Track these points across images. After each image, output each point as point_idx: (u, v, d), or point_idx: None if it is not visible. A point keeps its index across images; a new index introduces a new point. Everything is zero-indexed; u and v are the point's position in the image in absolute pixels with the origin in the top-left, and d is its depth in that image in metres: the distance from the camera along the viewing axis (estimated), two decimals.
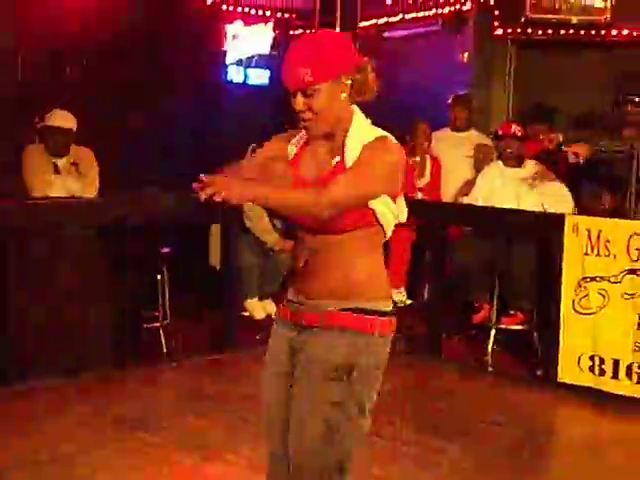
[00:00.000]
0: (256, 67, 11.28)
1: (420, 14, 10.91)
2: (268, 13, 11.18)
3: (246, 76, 11.29)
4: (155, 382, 7.45)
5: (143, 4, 10.03)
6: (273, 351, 3.76)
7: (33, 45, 10.41)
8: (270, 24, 11.21)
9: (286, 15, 11.33)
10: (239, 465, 5.55)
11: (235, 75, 11.24)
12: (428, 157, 9.15)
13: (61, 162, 7.79)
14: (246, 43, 11.12)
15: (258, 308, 8.42)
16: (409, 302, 8.82)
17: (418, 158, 9.11)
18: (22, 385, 6.89)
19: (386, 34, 11.28)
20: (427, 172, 9.14)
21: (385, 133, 3.61)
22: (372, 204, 3.48)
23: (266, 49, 11.25)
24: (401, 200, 3.62)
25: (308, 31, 9.48)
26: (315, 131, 3.57)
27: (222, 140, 9.31)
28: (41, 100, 8.49)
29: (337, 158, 3.56)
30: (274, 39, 11.24)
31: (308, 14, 9.78)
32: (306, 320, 3.61)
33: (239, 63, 11.21)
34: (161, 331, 7.97)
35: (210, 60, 10.85)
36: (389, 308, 3.59)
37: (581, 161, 8.09)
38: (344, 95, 3.54)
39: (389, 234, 3.63)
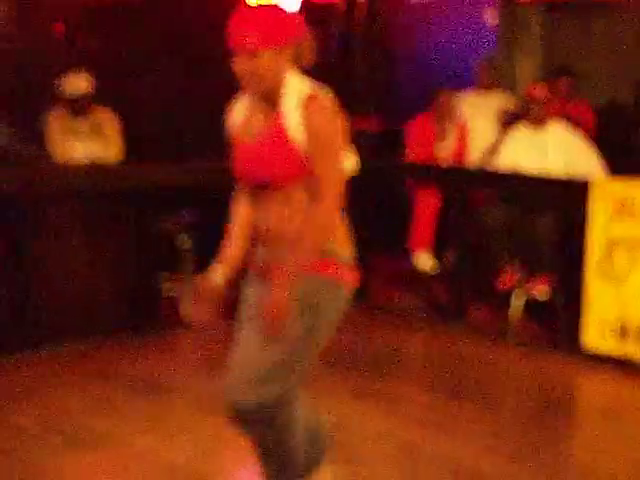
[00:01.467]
0: None
1: None
2: None
3: None
4: (174, 346, 7.53)
5: None
6: (245, 301, 4.00)
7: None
8: None
9: None
10: None
11: None
12: (454, 121, 9.13)
13: (82, 125, 7.80)
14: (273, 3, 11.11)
15: None
16: (435, 268, 8.78)
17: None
18: (54, 349, 6.98)
19: None
20: (452, 136, 9.10)
21: (315, 89, 3.79)
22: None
23: (295, 6, 11.27)
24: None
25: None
26: (254, 90, 3.76)
27: None
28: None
29: (271, 117, 3.77)
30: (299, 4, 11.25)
31: None
32: (273, 271, 3.77)
33: None
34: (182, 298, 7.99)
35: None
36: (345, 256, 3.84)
37: None
38: (287, 59, 3.76)
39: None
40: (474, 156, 9.00)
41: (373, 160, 8.54)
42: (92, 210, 7.37)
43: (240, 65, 3.69)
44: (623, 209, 6.94)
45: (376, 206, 8.60)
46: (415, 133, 8.96)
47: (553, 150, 8.03)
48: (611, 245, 7.01)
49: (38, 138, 7.82)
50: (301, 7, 11.32)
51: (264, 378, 3.79)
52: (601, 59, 9.47)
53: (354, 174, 8.24)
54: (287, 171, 3.73)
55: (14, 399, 6.09)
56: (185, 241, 7.96)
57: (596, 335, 7.10)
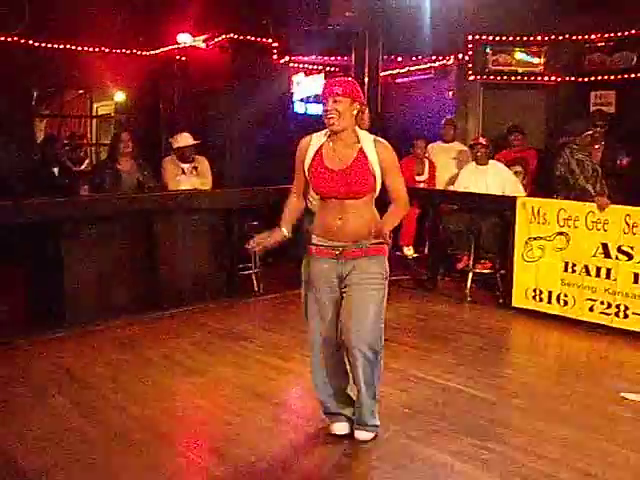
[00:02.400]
0: (312, 102, 11.31)
1: (420, 66, 10.90)
2: (320, 67, 11.22)
3: (306, 108, 11.32)
4: (249, 310, 7.52)
5: (240, 62, 10.07)
6: (323, 276, 4.04)
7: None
8: (322, 75, 11.24)
9: (332, 69, 11.35)
10: (305, 362, 5.62)
11: (299, 108, 11.28)
12: (427, 161, 9.17)
13: (186, 167, 7.86)
14: (306, 87, 11.16)
15: None
16: (415, 255, 8.84)
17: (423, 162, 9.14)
18: (168, 311, 7.06)
19: (398, 80, 11.27)
20: (426, 170, 9.15)
21: (375, 137, 4.00)
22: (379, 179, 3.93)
23: (319, 91, 11.28)
24: None
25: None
26: (337, 126, 3.87)
27: (291, 150, 9.38)
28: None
29: (355, 154, 3.92)
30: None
31: (347, 68, 9.80)
32: (349, 254, 3.94)
33: (301, 100, 11.24)
34: (253, 276, 8.05)
35: (283, 98, 10.88)
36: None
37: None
38: (354, 113, 3.90)
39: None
40: (439, 182, 9.08)
41: None
42: (196, 220, 7.47)
43: (327, 106, 3.85)
44: (536, 217, 7.02)
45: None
46: (402, 168, 8.97)
47: (491, 179, 8.10)
48: (529, 240, 7.09)
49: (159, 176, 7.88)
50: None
51: (376, 327, 3.98)
52: (522, 119, 9.49)
53: None
54: (365, 189, 3.89)
55: (149, 341, 6.22)
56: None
57: (521, 297, 7.18)
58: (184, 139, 7.83)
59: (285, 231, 4.13)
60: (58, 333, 6.34)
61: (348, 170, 3.90)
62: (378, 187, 3.98)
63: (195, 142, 7.82)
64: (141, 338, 6.31)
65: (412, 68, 10.97)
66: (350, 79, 4.15)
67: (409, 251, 8.83)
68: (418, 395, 5.00)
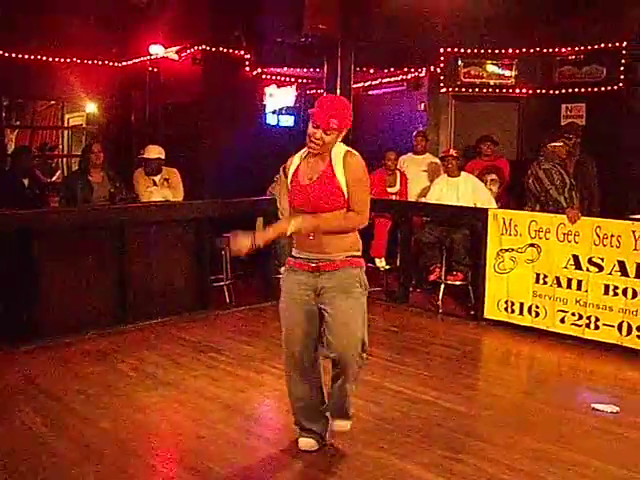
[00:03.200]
0: (285, 114, 11.32)
1: (392, 79, 10.94)
2: (292, 79, 11.23)
3: (278, 120, 11.33)
4: (221, 322, 7.45)
5: (212, 73, 10.07)
6: (298, 288, 4.02)
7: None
8: (294, 86, 11.25)
9: (304, 81, 11.37)
10: (277, 374, 5.59)
11: (271, 119, 11.28)
12: (398, 172, 9.19)
13: (157, 178, 7.83)
14: (278, 99, 11.17)
15: None
16: (387, 267, 8.85)
17: (393, 173, 9.15)
18: (139, 323, 7.02)
19: (370, 92, 11.31)
20: (397, 182, 9.16)
21: (348, 148, 3.94)
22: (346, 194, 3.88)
23: (291, 102, 11.30)
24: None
25: (321, 91, 9.50)
26: (317, 151, 3.87)
27: (263, 162, 9.37)
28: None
29: (323, 168, 3.89)
30: (296, 96, 11.30)
31: (319, 80, 9.82)
32: (325, 267, 3.93)
33: (274, 112, 11.24)
34: (225, 288, 8.02)
35: (255, 110, 10.88)
36: (359, 253, 4.04)
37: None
38: (339, 139, 3.89)
39: None
40: (411, 194, 9.11)
41: None
42: (167, 231, 7.42)
43: (315, 134, 3.80)
44: (507, 228, 7.06)
45: None
46: (374, 180, 9.00)
47: (463, 191, 8.13)
48: (500, 252, 7.13)
49: (130, 187, 7.84)
50: (298, 99, 11.47)
51: (363, 333, 4.03)
52: (494, 131, 9.55)
53: None
54: (332, 204, 3.86)
55: (119, 354, 6.16)
56: (227, 251, 7.97)
57: (492, 308, 7.22)
58: (150, 151, 7.80)
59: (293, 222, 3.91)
60: (28, 346, 6.26)
61: (315, 185, 3.90)
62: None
63: (158, 156, 7.80)
64: (113, 351, 6.26)
65: (384, 80, 11.00)
66: (345, 101, 4.02)
67: (381, 263, 8.83)
68: (390, 407, 4.99)
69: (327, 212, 3.88)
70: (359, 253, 4.04)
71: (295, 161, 4.04)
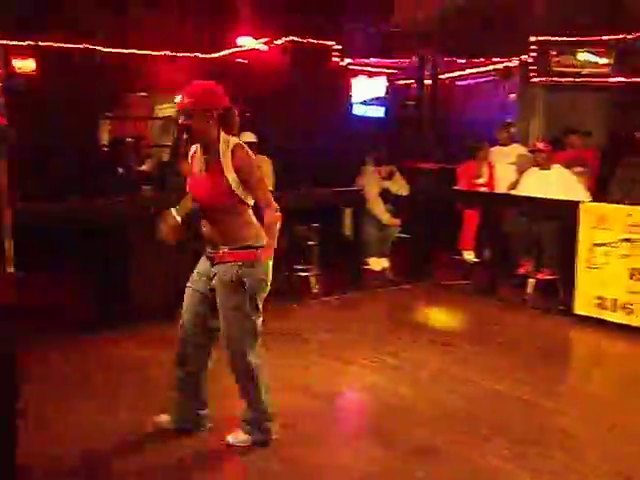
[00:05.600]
0: (374, 105, 11.30)
1: (482, 69, 10.82)
2: (381, 70, 11.20)
3: (367, 111, 11.32)
4: (306, 311, 7.50)
5: (300, 64, 10.12)
6: (200, 272, 4.12)
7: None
8: (383, 77, 11.23)
9: (393, 71, 11.33)
10: (363, 364, 5.69)
11: (359, 110, 11.28)
12: (486, 164, 9.09)
13: (248, 142, 7.87)
14: (367, 89, 11.15)
15: (376, 263, 8.44)
16: (475, 260, 8.76)
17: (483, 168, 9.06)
18: None
19: (459, 83, 11.21)
20: (485, 174, 9.07)
21: (238, 140, 3.92)
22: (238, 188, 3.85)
23: (380, 93, 11.27)
24: None
25: (402, 82, 9.45)
26: (192, 140, 3.90)
27: (351, 153, 9.41)
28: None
29: (211, 161, 3.86)
30: (386, 87, 11.27)
31: (408, 70, 9.78)
32: (216, 259, 3.97)
33: (362, 103, 11.24)
34: (311, 278, 8.03)
35: (343, 101, 10.90)
36: (258, 244, 3.94)
37: None
38: (211, 121, 3.81)
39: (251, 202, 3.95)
40: (499, 187, 9.00)
41: (435, 189, 8.63)
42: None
43: (179, 121, 3.86)
44: (601, 223, 6.92)
45: (439, 220, 8.61)
46: (462, 172, 8.95)
47: (554, 184, 7.99)
48: (593, 246, 6.99)
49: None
50: (387, 90, 11.44)
51: (237, 333, 4.09)
52: (585, 121, 9.36)
53: (403, 194, 8.38)
54: (218, 197, 3.87)
55: None
56: (314, 240, 8.03)
57: (584, 304, 7.08)
58: (245, 137, 7.88)
59: (176, 216, 4.08)
60: (124, 331, 6.38)
61: (203, 177, 3.92)
62: (242, 196, 3.91)
63: (251, 140, 7.85)
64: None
65: (473, 70, 10.88)
66: (204, 83, 3.97)
67: (469, 256, 8.75)
68: (475, 401, 4.96)
69: (219, 206, 3.90)
70: (249, 243, 3.97)
71: (193, 149, 4.06)
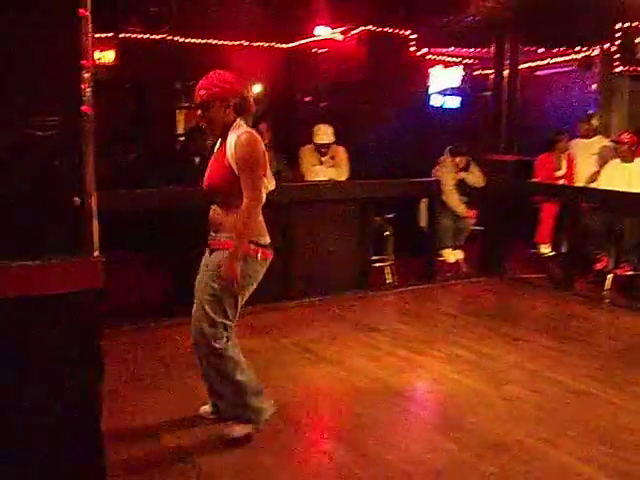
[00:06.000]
0: (450, 95, 11.20)
1: (561, 58, 10.59)
2: (458, 60, 11.09)
3: (443, 102, 11.22)
4: (382, 301, 7.51)
5: (377, 54, 10.09)
6: (200, 268, 4.09)
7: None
8: (460, 67, 11.11)
9: (471, 61, 11.20)
10: (436, 356, 5.66)
11: (436, 101, 11.19)
12: (565, 155, 8.91)
13: (323, 157, 7.94)
14: (444, 80, 11.05)
15: (450, 255, 8.40)
16: (552, 253, 8.61)
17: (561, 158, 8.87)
18: (302, 300, 7.17)
19: (537, 73, 11.00)
20: (564, 166, 8.90)
21: (248, 129, 3.83)
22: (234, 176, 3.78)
23: (457, 83, 11.16)
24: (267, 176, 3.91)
25: (487, 72, 9.29)
26: (209, 133, 3.93)
27: (427, 144, 9.33)
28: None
29: (219, 147, 3.91)
30: (462, 77, 11.15)
31: (486, 60, 9.64)
32: (212, 245, 4.00)
33: (439, 93, 11.14)
34: (386, 268, 8.04)
35: (419, 91, 10.83)
36: (259, 242, 3.92)
37: None
38: (228, 110, 3.83)
39: (262, 195, 3.87)
40: (579, 179, 8.81)
41: (511, 181, 8.50)
42: (331, 211, 7.51)
43: (197, 115, 3.91)
44: None
45: (515, 212, 8.49)
46: (541, 164, 8.81)
47: (636, 177, 7.79)
48: None
49: (296, 166, 8.01)
50: (464, 80, 11.31)
51: (209, 321, 3.99)
52: None
53: (479, 186, 8.25)
54: (219, 183, 3.85)
55: (282, 329, 6.32)
56: (389, 231, 8.03)
57: None
58: (321, 132, 7.88)
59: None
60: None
61: (213, 160, 3.97)
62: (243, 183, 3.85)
63: (330, 141, 7.88)
64: (274, 326, 6.43)
65: (552, 60, 10.66)
66: (216, 73, 3.95)
67: (546, 249, 8.60)
68: (551, 397, 4.87)
69: (220, 191, 3.88)
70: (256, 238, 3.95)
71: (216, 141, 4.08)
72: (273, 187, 4.03)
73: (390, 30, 10.01)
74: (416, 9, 9.87)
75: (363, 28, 9.91)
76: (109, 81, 9.59)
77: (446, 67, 11.00)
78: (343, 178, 7.93)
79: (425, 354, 5.71)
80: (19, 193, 2.02)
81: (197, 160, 8.69)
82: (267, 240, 3.99)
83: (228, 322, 4.01)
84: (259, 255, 3.93)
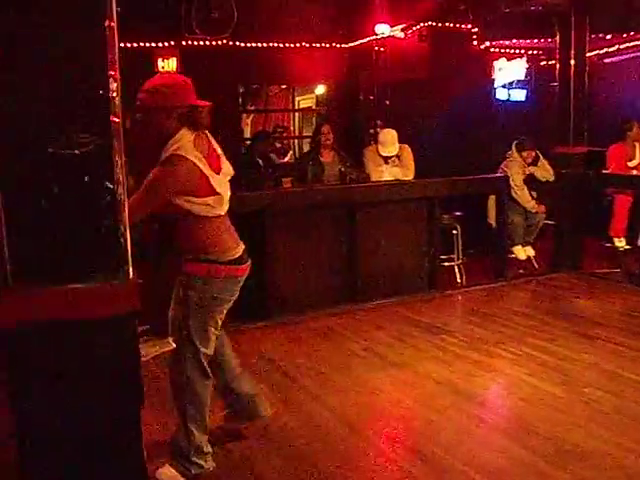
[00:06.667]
0: (516, 88, 10.96)
1: (631, 43, 10.22)
2: (522, 51, 10.84)
3: (509, 95, 10.98)
4: (451, 302, 7.36)
5: (439, 50, 9.94)
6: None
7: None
8: (524, 58, 10.86)
9: (535, 52, 10.93)
10: (509, 358, 5.47)
11: (501, 94, 10.96)
12: (638, 145, 8.60)
13: (388, 156, 7.82)
14: (508, 72, 10.82)
15: (521, 252, 8.18)
16: (627, 247, 8.31)
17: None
18: (368, 303, 7.03)
19: (606, 60, 10.65)
20: (637, 155, 8.59)
21: (174, 152, 3.38)
22: (175, 201, 3.40)
23: (522, 76, 10.92)
24: (208, 196, 3.46)
25: (553, 62, 9.02)
26: (142, 140, 3.58)
27: (494, 139, 9.12)
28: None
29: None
30: (527, 69, 10.89)
31: (551, 51, 9.37)
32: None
33: (504, 86, 10.91)
34: (455, 268, 7.89)
35: (484, 85, 10.63)
36: (219, 260, 3.57)
37: None
38: (169, 120, 3.42)
39: (211, 214, 3.50)
40: None
41: (582, 173, 8.22)
42: (397, 210, 7.37)
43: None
44: None
45: (587, 205, 8.22)
46: (613, 153, 8.53)
47: None
48: None
49: (360, 166, 7.92)
50: (529, 72, 11.04)
51: (182, 349, 3.72)
52: None
53: (549, 180, 8.02)
54: (168, 210, 3.51)
55: (349, 332, 6.23)
56: (457, 230, 7.87)
57: None
58: (390, 145, 7.75)
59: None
60: (260, 322, 6.50)
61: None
62: (191, 209, 3.49)
63: (397, 152, 7.73)
64: (342, 329, 6.35)
65: (622, 46, 10.30)
66: (158, 77, 3.62)
67: (620, 242, 8.31)
68: (632, 399, 4.64)
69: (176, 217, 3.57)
70: (201, 255, 3.59)
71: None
72: (222, 210, 3.62)
73: (451, 25, 9.83)
74: (477, 1, 9.67)
75: (423, 24, 9.76)
76: None
77: (510, 59, 10.75)
78: (409, 177, 7.80)
79: (497, 356, 5.53)
80: (51, 214, 1.95)
81: (260, 163, 8.71)
82: (234, 255, 3.67)
83: (199, 357, 3.68)
84: (223, 274, 3.62)
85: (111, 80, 1.83)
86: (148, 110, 3.47)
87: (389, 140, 7.71)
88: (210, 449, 3.84)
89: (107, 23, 1.80)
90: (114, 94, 1.84)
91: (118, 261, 1.97)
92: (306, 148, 11.01)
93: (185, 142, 3.43)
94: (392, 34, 10.00)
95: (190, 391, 3.69)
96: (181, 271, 3.64)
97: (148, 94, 3.47)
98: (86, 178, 1.87)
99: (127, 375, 2.07)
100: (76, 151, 1.81)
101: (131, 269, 1.97)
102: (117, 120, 1.87)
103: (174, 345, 3.45)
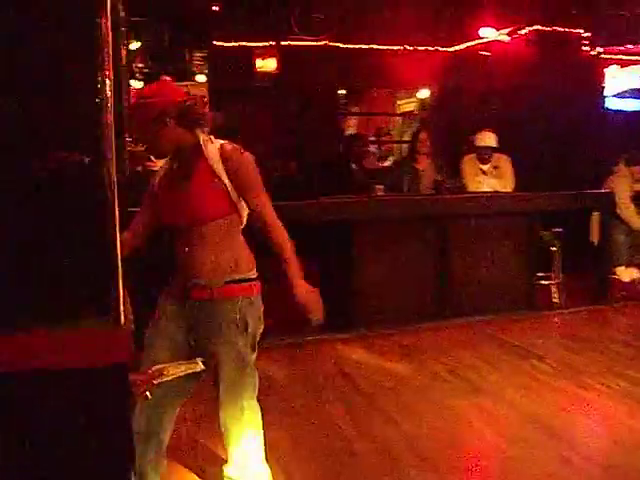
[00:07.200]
0: (629, 98, 10.41)
1: None
2: (638, 58, 10.29)
3: (620, 104, 10.46)
4: (546, 324, 6.95)
5: (546, 55, 9.56)
6: (163, 321, 3.15)
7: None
8: (639, 66, 10.32)
9: None
10: (606, 393, 4.99)
11: (613, 104, 10.42)
12: None
13: (486, 167, 7.52)
14: (621, 80, 10.29)
15: (625, 273, 7.70)
16: None
17: None
18: (457, 319, 6.73)
19: None
20: None
21: (223, 144, 3.05)
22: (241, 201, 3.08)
23: (637, 84, 10.36)
24: None
25: None
26: (153, 152, 3.36)
27: (602, 151, 8.63)
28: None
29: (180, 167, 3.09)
30: None
31: None
32: (196, 297, 3.09)
33: (616, 95, 10.38)
34: (553, 287, 7.40)
35: (594, 93, 10.15)
36: (254, 276, 3.11)
37: None
38: (168, 128, 3.01)
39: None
40: None
41: None
42: (493, 224, 7.07)
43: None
44: None
45: None
46: None
47: None
48: None
49: (458, 174, 7.62)
50: None
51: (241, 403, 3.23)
52: None
53: None
54: (209, 210, 3.06)
55: (435, 352, 5.91)
56: (557, 246, 7.44)
57: None
58: (480, 138, 7.48)
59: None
60: (343, 334, 6.27)
61: (182, 192, 3.08)
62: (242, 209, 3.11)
63: (487, 145, 7.45)
64: (426, 348, 6.04)
65: None
66: (156, 83, 3.17)
67: None
68: None
69: (208, 225, 3.09)
70: (245, 275, 3.10)
71: (158, 177, 3.30)
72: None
73: (560, 29, 9.41)
74: (588, 4, 9.22)
75: (531, 28, 9.39)
76: (271, 88, 9.63)
77: (623, 67, 10.21)
78: (508, 189, 7.48)
79: (593, 389, 5.05)
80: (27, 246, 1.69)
81: (354, 167, 8.51)
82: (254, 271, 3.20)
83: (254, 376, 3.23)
84: (258, 291, 3.18)
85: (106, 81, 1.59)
86: (144, 130, 3.09)
87: (485, 134, 7.50)
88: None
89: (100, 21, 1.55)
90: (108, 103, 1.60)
91: (107, 304, 1.68)
92: (405, 153, 10.76)
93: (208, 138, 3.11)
94: (498, 38, 9.69)
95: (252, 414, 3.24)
96: (217, 299, 3.10)
97: (133, 112, 3.19)
98: (72, 207, 1.62)
99: (111, 433, 1.77)
100: (63, 175, 1.57)
101: (123, 314, 1.68)
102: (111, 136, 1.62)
103: (202, 367, 3.04)
